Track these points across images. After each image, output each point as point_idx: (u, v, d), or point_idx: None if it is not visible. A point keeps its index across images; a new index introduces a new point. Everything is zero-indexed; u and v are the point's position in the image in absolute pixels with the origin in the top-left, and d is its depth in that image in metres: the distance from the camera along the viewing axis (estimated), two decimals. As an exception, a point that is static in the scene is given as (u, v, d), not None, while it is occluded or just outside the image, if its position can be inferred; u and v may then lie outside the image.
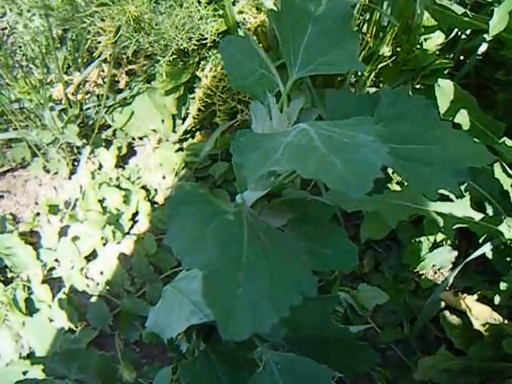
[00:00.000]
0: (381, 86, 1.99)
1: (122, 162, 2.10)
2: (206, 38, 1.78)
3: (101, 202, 1.94)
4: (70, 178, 2.07)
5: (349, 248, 1.01)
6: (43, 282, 1.84)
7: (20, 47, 2.13)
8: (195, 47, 1.81)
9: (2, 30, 2.34)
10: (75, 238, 1.90)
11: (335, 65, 0.96)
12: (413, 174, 0.89)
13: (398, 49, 1.87)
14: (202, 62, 1.92)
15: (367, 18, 1.87)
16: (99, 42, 1.83)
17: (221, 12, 1.82)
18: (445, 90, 1.74)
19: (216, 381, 1.06)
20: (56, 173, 2.08)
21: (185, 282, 1.14)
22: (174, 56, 1.80)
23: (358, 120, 0.80)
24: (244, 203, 0.91)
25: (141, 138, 2.14)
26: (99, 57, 1.93)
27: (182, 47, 1.76)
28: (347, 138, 0.72)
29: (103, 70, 2.04)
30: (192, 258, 0.77)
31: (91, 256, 1.90)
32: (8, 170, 2.11)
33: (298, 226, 0.99)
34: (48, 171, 2.09)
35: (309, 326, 1.12)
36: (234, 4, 1.82)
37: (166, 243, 0.73)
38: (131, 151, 2.14)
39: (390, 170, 1.08)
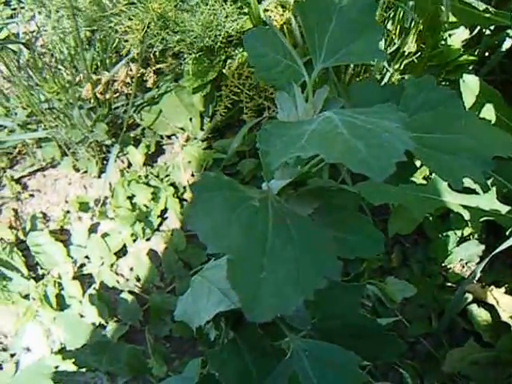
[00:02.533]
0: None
1: (150, 160, 2.12)
2: (231, 36, 1.80)
3: (130, 198, 1.97)
4: (99, 177, 2.10)
5: (375, 235, 1.02)
6: (74, 278, 1.86)
7: (49, 49, 2.16)
8: (221, 45, 1.83)
9: (31, 32, 2.37)
10: (105, 235, 1.93)
11: (359, 55, 0.97)
12: (438, 163, 0.90)
13: (423, 45, 1.87)
14: (229, 60, 1.93)
15: (391, 15, 1.88)
16: (127, 41, 1.85)
17: (246, 10, 1.84)
18: (470, 85, 1.74)
19: (244, 369, 1.07)
20: (85, 171, 2.10)
21: (213, 271, 1.15)
22: (201, 53, 1.82)
23: (382, 107, 0.81)
24: (270, 190, 0.92)
25: (169, 137, 2.16)
26: (127, 55, 1.96)
27: (208, 44, 1.78)
28: (371, 124, 0.73)
29: (131, 70, 2.06)
30: (217, 243, 0.78)
31: (121, 252, 1.93)
32: (38, 170, 2.14)
33: (324, 215, 1.00)
34: (77, 170, 2.11)
35: (336, 316, 1.13)
36: (259, 2, 1.83)
37: (189, 227, 0.74)
38: (159, 149, 2.16)
39: (417, 163, 1.09)
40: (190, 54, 1.80)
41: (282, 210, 0.84)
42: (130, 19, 1.73)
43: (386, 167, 0.65)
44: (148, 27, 1.71)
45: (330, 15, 1.00)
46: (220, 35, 1.77)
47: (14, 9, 2.48)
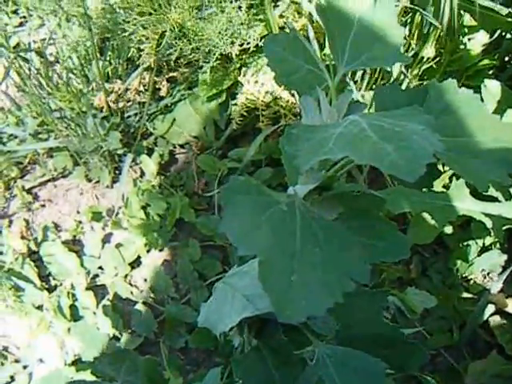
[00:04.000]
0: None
1: (163, 169, 2.14)
2: (248, 43, 1.82)
3: (144, 208, 1.99)
4: (111, 187, 2.12)
5: (399, 240, 1.04)
6: (87, 289, 1.88)
7: (59, 58, 2.19)
8: (237, 53, 1.85)
9: (42, 40, 2.40)
10: (119, 245, 1.95)
11: (381, 59, 1.00)
12: (463, 166, 0.92)
13: (442, 50, 1.89)
14: (244, 68, 1.96)
15: (409, 20, 1.90)
16: (141, 50, 1.88)
17: (262, 17, 1.86)
18: (492, 90, 1.76)
19: (268, 376, 1.09)
20: (98, 181, 2.12)
21: (236, 278, 1.17)
22: (217, 62, 1.84)
23: (407, 110, 0.83)
24: (296, 195, 0.94)
25: (182, 146, 2.18)
26: (140, 65, 1.99)
27: (225, 52, 1.80)
28: (398, 127, 0.75)
29: (144, 78, 2.09)
30: (247, 245, 0.80)
31: (135, 263, 1.95)
32: (49, 180, 2.16)
33: (349, 219, 1.02)
34: (90, 180, 2.13)
35: (359, 323, 1.15)
36: (274, 8, 1.86)
37: (220, 230, 0.76)
38: (173, 158, 2.18)
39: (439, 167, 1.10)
40: (207, 63, 1.82)
41: (308, 214, 0.86)
42: (144, 28, 1.76)
43: (417, 168, 0.68)
44: (163, 36, 1.74)
45: (351, 19, 1.02)
46: (236, 42, 1.80)
47: (23, 17, 2.51)
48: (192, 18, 1.69)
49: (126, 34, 1.81)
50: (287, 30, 1.82)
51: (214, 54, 1.80)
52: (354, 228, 1.02)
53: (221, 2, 1.80)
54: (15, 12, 2.55)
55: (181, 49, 1.77)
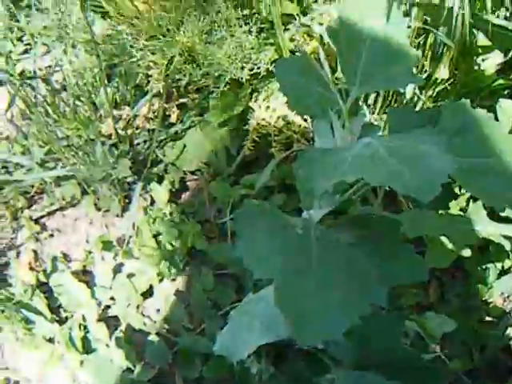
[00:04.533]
0: (439, 109, 2.04)
1: (174, 196, 2.17)
2: (258, 68, 1.86)
3: (155, 237, 2.01)
4: (121, 216, 2.15)
5: (417, 262, 1.07)
6: (99, 320, 1.90)
7: (66, 84, 2.23)
8: (247, 77, 1.89)
9: (47, 67, 2.46)
10: (130, 275, 1.97)
11: (394, 81, 1.03)
12: (478, 186, 0.95)
13: (456, 71, 1.92)
14: (255, 93, 2.00)
15: (422, 41, 1.94)
16: (149, 76, 1.92)
17: (272, 41, 1.91)
18: (507, 110, 1.78)
19: (287, 403, 1.12)
20: (107, 210, 2.15)
21: (251, 305, 1.20)
22: (227, 87, 1.88)
23: (420, 132, 0.87)
24: (311, 218, 0.97)
25: (193, 172, 2.21)
26: (149, 91, 2.03)
27: (235, 77, 1.84)
28: (412, 148, 0.79)
29: (153, 104, 2.13)
30: (263, 269, 0.84)
31: (147, 293, 1.97)
32: (57, 209, 2.19)
33: (365, 243, 1.05)
34: (99, 209, 2.16)
35: (378, 349, 1.17)
36: (284, 32, 1.90)
37: (236, 254, 0.79)
38: (184, 185, 2.21)
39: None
40: (217, 88, 1.86)
41: (324, 237, 0.90)
42: (153, 53, 1.80)
43: (432, 188, 0.71)
44: (172, 61, 1.78)
45: (363, 41, 1.06)
46: (247, 67, 1.84)
47: (28, 44, 2.56)
48: (201, 42, 1.73)
49: (134, 59, 1.84)
50: (298, 54, 1.86)
51: (225, 79, 1.84)
52: (371, 251, 1.05)
53: (230, 27, 1.84)
54: (20, 39, 2.60)
55: (190, 74, 1.80)
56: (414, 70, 1.06)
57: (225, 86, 1.88)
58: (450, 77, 1.92)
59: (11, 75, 1.99)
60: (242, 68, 1.84)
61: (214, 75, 1.83)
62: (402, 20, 1.07)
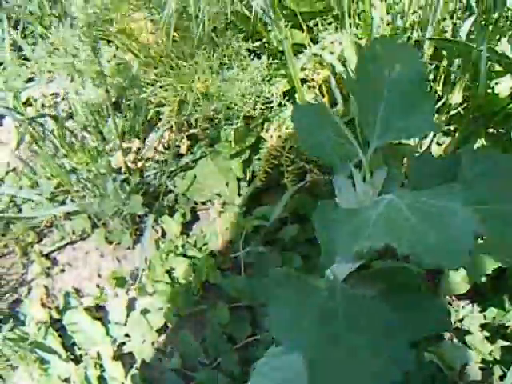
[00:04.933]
0: (452, 134, 2.07)
1: (186, 227, 2.21)
2: (271, 102, 1.90)
3: (168, 272, 2.04)
4: (133, 248, 2.19)
5: (440, 312, 1.10)
6: (114, 358, 1.93)
7: (72, 114, 2.27)
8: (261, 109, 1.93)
9: (52, 94, 2.50)
10: (145, 311, 2.00)
11: (413, 130, 1.07)
12: (497, 233, 0.98)
13: (469, 95, 1.95)
14: (266, 123, 2.04)
15: (434, 66, 1.98)
16: (160, 112, 1.95)
17: (283, 71, 1.95)
18: (522, 134, 1.82)
19: None
20: (118, 243, 2.19)
21: (275, 360, 1.22)
22: (239, 122, 1.92)
23: (444, 188, 0.90)
24: (336, 279, 1.01)
25: (204, 202, 2.25)
26: (159, 126, 2.07)
27: (248, 115, 1.88)
28: (436, 207, 0.82)
29: (163, 137, 2.16)
30: (292, 343, 0.87)
31: (162, 329, 1.99)
32: (68, 243, 2.23)
33: (390, 295, 1.09)
34: (110, 242, 2.19)
35: None
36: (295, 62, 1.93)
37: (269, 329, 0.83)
38: (195, 216, 2.25)
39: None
40: (230, 124, 1.90)
41: (349, 298, 0.93)
42: (164, 90, 1.83)
43: (459, 257, 0.75)
44: (184, 101, 1.82)
45: (381, 89, 1.09)
46: (259, 101, 1.88)
47: (33, 72, 2.60)
48: (215, 82, 1.77)
49: (145, 95, 1.88)
50: (315, 102, 1.90)
51: (238, 117, 1.88)
52: (394, 303, 1.08)
53: (241, 60, 1.88)
54: (24, 65, 2.64)
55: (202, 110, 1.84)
56: (433, 118, 1.10)
57: (237, 122, 1.91)
58: (463, 101, 1.95)
59: (21, 114, 2.02)
60: (255, 106, 1.87)
61: (226, 111, 1.86)
62: (419, 66, 1.11)
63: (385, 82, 1.09)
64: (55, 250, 2.23)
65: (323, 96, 2.02)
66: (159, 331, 1.99)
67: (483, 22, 1.78)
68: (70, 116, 2.43)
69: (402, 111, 1.07)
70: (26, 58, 2.58)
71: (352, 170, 1.07)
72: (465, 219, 0.78)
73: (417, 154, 1.94)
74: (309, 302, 0.89)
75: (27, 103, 2.56)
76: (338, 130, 1.10)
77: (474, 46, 1.78)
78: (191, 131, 2.15)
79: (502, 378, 1.86)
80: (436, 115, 2.00)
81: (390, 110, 1.08)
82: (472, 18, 1.83)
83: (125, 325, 2.02)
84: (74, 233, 2.23)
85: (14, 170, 2.37)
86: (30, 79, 2.61)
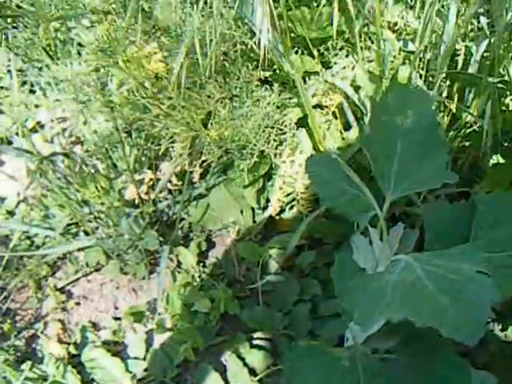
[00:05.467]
0: (467, 150, 2.10)
1: (201, 256, 2.26)
2: (284, 133, 1.95)
3: (186, 305, 2.08)
4: (148, 278, 2.24)
5: (460, 365, 1.15)
6: (135, 394, 1.97)
7: (80, 143, 2.33)
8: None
9: (59, 119, 2.55)
10: (164, 346, 2.03)
11: (428, 180, 1.11)
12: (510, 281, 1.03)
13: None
14: (280, 148, 2.08)
15: (448, 83, 2.02)
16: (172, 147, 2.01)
17: (295, 100, 2.00)
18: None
19: None
20: (134, 274, 2.23)
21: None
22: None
23: (460, 249, 0.95)
24: (356, 344, 1.06)
25: (219, 229, 2.30)
26: (170, 153, 2.12)
27: (261, 150, 1.93)
28: (453, 272, 0.87)
29: (175, 166, 2.21)
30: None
31: (182, 363, 2.02)
32: (82, 276, 2.28)
33: (406, 346, 1.14)
34: (125, 273, 2.24)
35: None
36: (306, 90, 1.98)
37: None
38: (210, 244, 2.30)
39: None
40: (243, 160, 1.95)
41: (370, 363, 0.98)
42: (176, 122, 1.87)
43: (477, 330, 0.79)
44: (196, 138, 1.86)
45: (394, 140, 1.14)
46: (272, 133, 1.93)
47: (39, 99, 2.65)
48: (228, 125, 1.82)
49: (157, 129, 1.92)
50: (330, 153, 1.94)
51: (252, 155, 1.93)
52: (413, 354, 1.13)
53: (253, 91, 1.93)
54: (32, 92, 2.70)
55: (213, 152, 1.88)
56: (448, 167, 1.13)
57: (251, 158, 1.96)
58: (478, 118, 1.99)
59: (31, 154, 2.07)
60: (268, 139, 1.92)
61: (240, 148, 1.91)
62: (431, 112, 1.16)
63: (398, 133, 1.13)
64: (69, 283, 2.27)
65: (336, 119, 2.07)
66: (179, 366, 2.02)
67: (497, 45, 1.82)
68: (79, 142, 2.48)
69: (416, 162, 1.11)
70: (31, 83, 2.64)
71: (368, 228, 1.12)
72: (481, 286, 0.82)
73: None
74: (331, 375, 0.94)
75: (34, 129, 2.61)
76: (353, 183, 1.15)
77: (483, 76, 1.82)
78: (204, 158, 2.17)
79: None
80: (452, 132, 2.04)
81: (404, 162, 1.12)
82: (485, 43, 1.87)
83: (144, 360, 2.05)
84: (87, 265, 2.27)
85: (24, 200, 2.42)
86: (36, 106, 2.66)
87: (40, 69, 2.65)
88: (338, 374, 0.94)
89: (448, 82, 2.02)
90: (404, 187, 1.12)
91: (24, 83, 2.69)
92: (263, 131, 1.91)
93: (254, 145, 1.91)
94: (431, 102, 1.18)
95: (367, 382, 0.95)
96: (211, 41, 1.66)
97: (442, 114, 2.03)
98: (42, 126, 2.61)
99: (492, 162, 2.03)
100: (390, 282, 0.88)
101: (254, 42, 1.91)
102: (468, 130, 2.04)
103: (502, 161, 2.01)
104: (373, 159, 1.15)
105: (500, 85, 1.81)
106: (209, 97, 1.86)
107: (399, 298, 0.85)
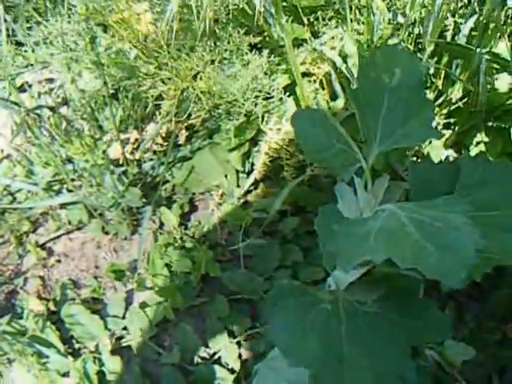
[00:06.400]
0: (452, 127, 2.14)
1: (183, 218, 2.28)
2: (272, 97, 1.98)
3: (167, 265, 2.11)
4: (130, 239, 2.27)
5: (440, 319, 1.19)
6: (113, 352, 2.00)
7: (67, 102, 2.35)
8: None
9: (46, 80, 2.56)
10: (143, 305, 2.06)
11: (414, 136, 1.14)
12: (494, 240, 1.07)
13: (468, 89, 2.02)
14: (266, 115, 2.10)
15: (436, 60, 2.05)
16: (159, 106, 2.03)
17: (283, 66, 2.03)
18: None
19: None
20: (115, 234, 2.26)
21: (277, 362, 1.31)
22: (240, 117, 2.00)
23: (445, 200, 0.98)
24: (338, 289, 1.10)
25: (202, 193, 2.32)
26: (158, 117, 2.15)
27: (248, 109, 1.96)
28: (438, 220, 0.90)
29: (161, 127, 2.23)
30: (296, 357, 0.95)
31: (161, 323, 2.05)
32: (64, 233, 2.30)
33: (388, 300, 1.18)
34: (107, 233, 2.27)
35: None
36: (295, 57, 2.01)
37: (268, 339, 0.91)
38: (193, 207, 2.32)
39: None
40: (230, 120, 1.98)
41: (352, 310, 1.02)
42: (163, 82, 1.91)
43: (459, 274, 0.83)
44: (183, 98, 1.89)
45: (381, 96, 1.17)
46: (260, 96, 1.96)
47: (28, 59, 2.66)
48: (217, 81, 1.85)
49: (144, 87, 1.95)
50: (316, 108, 1.98)
51: (239, 114, 1.96)
52: (394, 309, 1.17)
53: (242, 55, 1.97)
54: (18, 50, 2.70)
55: (203, 108, 1.91)
56: (433, 124, 1.17)
57: (238, 119, 1.99)
58: (463, 96, 2.04)
59: (18, 105, 2.08)
60: (256, 101, 1.95)
61: (228, 107, 1.94)
62: (419, 72, 1.19)
63: (385, 90, 1.16)
64: (51, 240, 2.30)
65: (323, 89, 2.10)
66: (158, 325, 2.05)
67: (484, 21, 1.85)
68: (66, 102, 2.50)
69: (402, 118, 1.14)
70: (19, 43, 2.64)
71: (354, 178, 1.15)
72: (466, 234, 0.85)
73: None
74: (312, 316, 0.97)
75: (21, 88, 2.62)
76: (340, 136, 1.17)
77: (473, 47, 1.86)
78: (190, 121, 2.20)
79: (500, 372, 1.93)
80: (437, 109, 2.08)
81: (390, 117, 1.15)
82: (473, 18, 1.91)
83: (123, 318, 2.08)
84: (70, 223, 2.30)
85: (7, 157, 2.44)
86: (26, 66, 2.67)
87: (29, 28, 2.66)
88: (320, 316, 0.97)
89: (435, 58, 2.05)
90: (390, 142, 1.14)
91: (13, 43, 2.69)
92: (252, 93, 1.93)
93: (242, 104, 1.94)
94: (419, 63, 1.21)
95: (349, 326, 0.98)
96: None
97: (428, 90, 2.07)
98: (30, 86, 2.62)
99: (476, 140, 2.07)
100: (375, 228, 0.89)
101: (246, 3, 1.95)
102: (453, 107, 2.07)
103: (486, 139, 2.04)
104: (360, 113, 1.17)
105: (487, 56, 1.84)
106: (199, 58, 1.88)
107: (383, 242, 0.86)
